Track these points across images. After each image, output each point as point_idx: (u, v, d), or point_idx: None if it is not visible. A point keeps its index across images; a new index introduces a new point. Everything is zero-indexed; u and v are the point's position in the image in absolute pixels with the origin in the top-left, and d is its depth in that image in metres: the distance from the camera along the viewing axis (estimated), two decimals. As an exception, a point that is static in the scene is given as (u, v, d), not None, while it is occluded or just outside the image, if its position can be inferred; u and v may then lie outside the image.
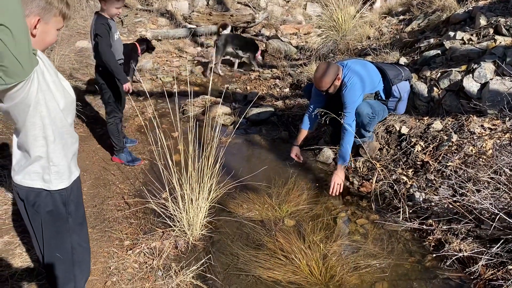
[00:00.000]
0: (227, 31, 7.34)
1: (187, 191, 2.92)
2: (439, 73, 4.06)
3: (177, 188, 2.91)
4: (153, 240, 2.94)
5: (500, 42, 3.94)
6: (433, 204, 3.08)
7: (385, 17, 7.10)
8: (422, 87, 4.10)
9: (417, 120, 3.95)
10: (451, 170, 3.19)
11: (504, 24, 4.08)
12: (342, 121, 3.56)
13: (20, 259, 2.68)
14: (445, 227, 2.84)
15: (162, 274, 2.64)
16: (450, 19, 5.17)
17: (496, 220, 2.53)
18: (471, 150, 3.27)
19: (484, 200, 2.63)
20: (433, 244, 2.83)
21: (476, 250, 2.57)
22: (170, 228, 2.99)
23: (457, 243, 2.69)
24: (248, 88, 6.50)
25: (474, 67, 3.75)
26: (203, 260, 2.73)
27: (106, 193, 3.58)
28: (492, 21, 4.33)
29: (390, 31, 6.47)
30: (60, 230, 1.77)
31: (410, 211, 3.09)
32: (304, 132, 4.01)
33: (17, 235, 2.89)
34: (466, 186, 2.87)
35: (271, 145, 4.59)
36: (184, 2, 10.08)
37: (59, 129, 1.62)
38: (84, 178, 3.72)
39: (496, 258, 2.48)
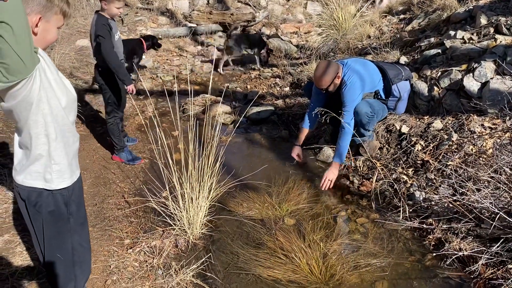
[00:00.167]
0: (238, 31, 7.38)
1: (187, 190, 2.92)
2: (440, 72, 4.05)
3: (177, 187, 2.91)
4: (153, 239, 2.94)
5: (501, 41, 3.94)
6: (433, 203, 3.08)
7: (386, 16, 7.09)
8: (423, 86, 4.09)
9: (418, 119, 3.94)
10: (451, 169, 3.19)
11: (505, 23, 4.08)
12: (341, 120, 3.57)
13: (21, 258, 2.68)
14: (445, 226, 2.84)
15: (162, 273, 2.64)
16: (450, 18, 5.17)
17: (496, 219, 2.53)
18: (471, 149, 3.27)
19: (484, 199, 2.63)
20: (433, 243, 2.83)
21: (476, 249, 2.57)
22: (170, 227, 2.99)
23: (457, 242, 2.69)
24: (249, 87, 6.50)
25: (474, 66, 3.75)
26: (203, 259, 2.74)
27: (107, 191, 3.58)
28: (493, 20, 4.32)
29: (391, 30, 6.46)
30: (61, 230, 1.77)
31: (410, 210, 3.09)
32: (305, 131, 4.01)
33: (17, 234, 2.89)
34: (466, 185, 2.87)
35: (271, 144, 4.59)
36: (185, 1, 10.07)
37: (60, 127, 1.63)
38: (84, 176, 3.72)
39: (496, 257, 2.48)
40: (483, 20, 4.44)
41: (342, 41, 6.56)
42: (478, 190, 2.76)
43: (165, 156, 2.94)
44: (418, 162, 3.51)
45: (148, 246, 2.86)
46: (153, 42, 6.37)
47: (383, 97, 3.84)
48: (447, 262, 2.60)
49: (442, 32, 5.10)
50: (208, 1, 10.36)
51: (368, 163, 3.84)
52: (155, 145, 3.06)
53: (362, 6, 6.96)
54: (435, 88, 3.99)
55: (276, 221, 3.17)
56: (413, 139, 3.72)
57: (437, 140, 3.55)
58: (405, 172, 3.51)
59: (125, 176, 3.85)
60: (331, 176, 3.60)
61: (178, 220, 2.96)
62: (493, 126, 3.41)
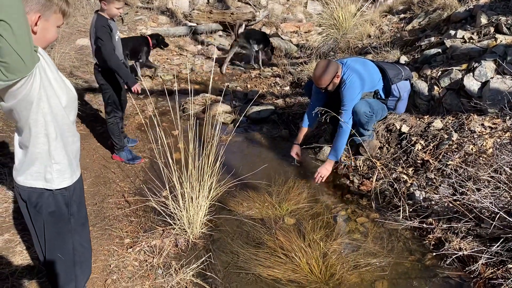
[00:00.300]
0: (242, 29, 7.42)
1: (187, 189, 2.92)
2: (440, 72, 4.05)
3: (177, 186, 2.91)
4: (153, 238, 2.94)
5: (501, 41, 3.93)
6: (433, 202, 3.08)
7: (386, 16, 7.09)
8: (423, 86, 4.09)
9: (418, 119, 3.94)
10: (451, 169, 3.19)
11: (505, 23, 4.07)
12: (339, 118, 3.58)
13: (21, 257, 2.68)
14: (445, 225, 2.84)
15: (162, 272, 2.64)
16: (451, 17, 5.16)
17: (496, 219, 2.53)
18: (472, 149, 3.27)
19: (484, 199, 2.63)
20: (433, 242, 2.83)
21: (476, 249, 2.57)
22: (170, 226, 2.99)
23: (457, 241, 2.69)
24: (249, 86, 6.50)
25: (474, 66, 3.74)
26: (203, 258, 2.74)
27: (107, 191, 3.58)
28: (493, 20, 4.32)
29: (391, 29, 6.46)
30: (62, 231, 1.77)
31: (410, 209, 3.09)
32: (304, 130, 4.01)
33: (18, 233, 2.89)
34: (466, 185, 2.87)
35: (272, 144, 4.59)
36: (185, 0, 10.07)
37: (60, 126, 1.62)
38: (84, 176, 3.72)
39: (496, 257, 2.48)
40: (483, 20, 4.44)
41: (342, 40, 6.56)
42: (478, 189, 2.76)
43: (165, 155, 2.94)
44: (418, 161, 3.51)
45: (148, 246, 2.86)
46: (159, 41, 6.42)
47: (383, 96, 3.84)
48: (447, 262, 2.60)
49: (442, 31, 5.09)
50: (208, 0, 10.37)
51: (368, 163, 3.84)
52: (155, 145, 3.06)
53: (362, 5, 6.95)
54: (435, 87, 3.98)
55: (276, 221, 3.17)
56: (413, 138, 3.72)
57: (437, 140, 3.55)
58: (405, 172, 3.51)
59: (125, 176, 3.85)
60: (323, 172, 3.64)
61: (178, 220, 2.96)
62: (493, 126, 3.41)
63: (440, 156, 3.39)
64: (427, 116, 3.92)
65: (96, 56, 3.74)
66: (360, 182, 3.69)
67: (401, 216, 3.07)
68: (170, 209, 2.96)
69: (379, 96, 3.82)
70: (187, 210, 2.93)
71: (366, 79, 3.69)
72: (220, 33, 9.28)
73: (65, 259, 1.82)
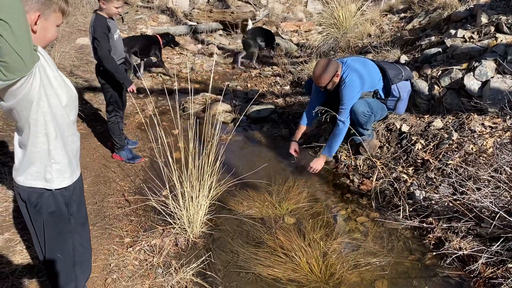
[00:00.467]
0: (250, 25, 7.46)
1: (187, 189, 2.92)
2: (440, 71, 4.05)
3: (178, 186, 2.91)
4: (153, 237, 2.94)
5: (501, 40, 3.93)
6: (433, 202, 3.08)
7: (386, 15, 7.08)
8: (423, 85, 4.09)
9: (418, 118, 3.94)
10: (451, 168, 3.19)
11: (506, 22, 4.07)
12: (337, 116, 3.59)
13: (21, 256, 2.68)
14: (445, 225, 2.84)
15: (162, 272, 2.64)
16: (451, 17, 5.16)
17: (496, 218, 2.53)
18: (472, 149, 3.27)
19: (484, 198, 2.63)
20: (433, 242, 2.83)
21: (476, 248, 2.57)
22: (170, 226, 2.99)
23: (457, 241, 2.69)
24: (249, 85, 6.50)
25: (475, 65, 3.74)
26: (203, 258, 2.74)
27: (107, 190, 3.58)
28: (493, 19, 4.31)
29: (391, 28, 6.45)
30: (62, 231, 1.77)
31: (410, 209, 3.09)
32: (302, 128, 4.03)
33: (18, 232, 2.90)
34: (467, 185, 2.87)
35: (272, 143, 4.59)
36: (185, -1, 10.08)
37: (60, 126, 1.62)
38: (84, 175, 3.72)
39: (496, 257, 2.48)
40: (484, 19, 4.43)
41: (343, 39, 6.56)
42: (478, 189, 2.76)
43: (165, 154, 2.94)
44: (418, 161, 3.51)
45: (148, 245, 2.87)
46: (168, 40, 6.54)
47: (383, 96, 3.83)
48: (447, 261, 2.60)
49: (442, 30, 5.09)
50: (208, 0, 10.36)
51: (368, 162, 3.83)
52: (155, 144, 3.06)
53: (362, 4, 6.94)
54: (436, 87, 3.98)
55: (276, 220, 3.17)
56: (413, 138, 3.71)
57: (438, 139, 3.55)
58: (405, 171, 3.51)
59: (125, 175, 3.85)
60: (315, 165, 3.72)
61: (178, 219, 2.96)
62: (493, 125, 3.40)
63: (440, 156, 3.39)
64: (427, 116, 3.91)
65: (95, 56, 3.74)
66: (360, 181, 3.68)
67: (401, 216, 3.07)
68: (170, 208, 2.96)
69: (378, 96, 3.82)
70: (187, 209, 2.93)
71: (366, 79, 3.69)
72: (221, 32, 9.27)
73: (65, 259, 1.82)
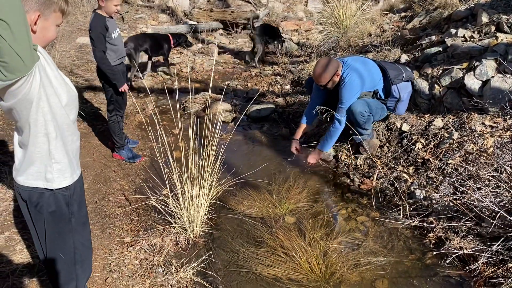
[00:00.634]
0: (259, 22, 7.50)
1: (187, 188, 2.92)
2: (441, 71, 4.04)
3: (178, 185, 2.91)
4: (153, 236, 2.94)
5: (502, 40, 3.92)
6: (433, 201, 3.08)
7: (387, 14, 7.08)
8: (423, 85, 4.08)
9: (418, 118, 3.94)
10: (451, 168, 3.19)
11: (506, 22, 4.06)
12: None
13: (21, 256, 2.68)
14: (445, 224, 2.84)
15: (163, 271, 2.64)
16: (451, 16, 5.16)
17: (496, 218, 2.53)
18: (472, 148, 3.27)
19: (484, 198, 2.63)
20: (434, 241, 2.83)
21: (476, 248, 2.57)
22: (170, 225, 2.99)
23: (457, 240, 2.69)
24: (249, 85, 6.49)
25: (475, 65, 3.74)
26: (203, 257, 2.74)
27: (107, 189, 3.58)
28: (494, 19, 4.31)
29: (392, 28, 6.45)
30: (63, 230, 1.77)
31: (411, 208, 3.09)
32: (302, 126, 4.05)
33: (18, 232, 2.90)
34: (467, 184, 2.87)
35: (272, 142, 4.59)
36: (185, -2, 10.07)
37: (60, 126, 1.62)
38: (84, 174, 3.72)
39: (496, 256, 2.48)
40: (484, 18, 4.43)
41: (343, 39, 6.56)
42: (479, 188, 2.76)
43: (165, 154, 2.94)
44: (419, 160, 3.51)
45: (148, 244, 2.87)
46: (180, 41, 6.66)
47: (383, 97, 3.83)
48: (448, 261, 2.60)
49: (443, 30, 5.09)
50: (208, -1, 10.36)
51: (368, 161, 3.83)
52: (156, 143, 3.06)
53: (363, 3, 6.94)
54: (436, 86, 3.98)
55: (276, 219, 3.17)
56: (413, 137, 3.71)
57: (438, 139, 3.55)
58: (406, 171, 3.51)
59: (125, 174, 3.85)
60: (310, 159, 3.88)
61: (179, 218, 2.96)
62: (494, 125, 3.40)
63: (441, 155, 3.39)
64: (428, 115, 3.91)
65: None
66: (360, 181, 3.68)
67: (401, 215, 3.07)
68: (170, 208, 2.96)
69: (378, 96, 3.81)
70: (187, 209, 2.93)
71: (366, 79, 3.69)
72: (221, 31, 9.27)
73: (66, 258, 1.82)
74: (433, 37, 4.90)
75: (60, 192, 1.69)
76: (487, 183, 2.83)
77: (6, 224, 2.97)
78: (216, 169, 3.07)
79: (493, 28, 4.18)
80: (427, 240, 2.86)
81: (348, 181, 3.74)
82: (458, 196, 2.85)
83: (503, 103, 3.39)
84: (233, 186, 3.43)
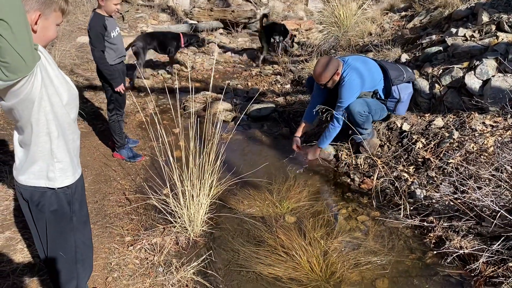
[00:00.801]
0: (268, 20, 7.58)
1: (188, 187, 2.92)
2: (441, 70, 4.04)
3: (178, 184, 2.91)
4: (154, 236, 2.94)
5: (503, 39, 3.92)
6: (434, 201, 3.08)
7: (387, 13, 7.07)
8: (424, 84, 4.08)
9: (419, 117, 3.94)
10: (452, 167, 3.19)
11: (507, 21, 4.06)
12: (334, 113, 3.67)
13: (22, 255, 2.68)
14: (446, 224, 2.84)
15: (163, 270, 2.65)
16: (452, 15, 5.15)
17: (497, 217, 2.53)
18: (473, 147, 3.27)
19: (485, 197, 2.63)
20: (434, 241, 2.83)
21: (476, 247, 2.57)
22: (171, 224, 2.99)
23: (458, 240, 2.69)
24: (249, 84, 6.49)
25: (476, 64, 3.73)
26: (204, 256, 2.74)
27: (107, 189, 3.59)
28: (495, 18, 4.31)
29: (392, 27, 6.44)
30: (64, 229, 1.77)
31: (411, 208, 3.09)
32: (304, 125, 4.06)
33: (19, 231, 2.90)
34: (467, 183, 2.87)
35: (272, 142, 4.59)
36: (185, -3, 10.06)
37: (61, 125, 1.62)
38: (85, 174, 3.72)
39: (496, 256, 2.48)
40: (485, 18, 4.42)
41: (343, 38, 6.55)
42: (479, 188, 2.76)
43: (166, 153, 2.94)
44: (419, 160, 3.51)
45: (148, 244, 2.87)
46: (191, 42, 6.72)
47: (382, 97, 3.82)
48: (448, 260, 2.60)
49: (443, 29, 5.08)
50: (208, -2, 10.35)
51: (369, 161, 3.83)
52: (156, 142, 3.06)
53: (363, 3, 6.93)
54: (436, 85, 3.98)
55: (276, 219, 3.17)
56: (414, 136, 3.71)
57: (438, 138, 3.54)
58: (406, 170, 3.51)
59: (126, 174, 3.86)
60: (309, 156, 3.96)
61: (179, 218, 2.96)
62: (494, 124, 3.40)
63: (441, 155, 3.39)
64: (428, 114, 3.91)
65: None
66: (361, 180, 3.68)
67: (402, 215, 3.07)
68: (170, 207, 2.96)
69: (378, 96, 3.81)
70: (187, 208, 2.93)
71: (366, 78, 3.68)
72: (221, 31, 9.26)
73: (67, 257, 1.82)
74: (434, 37, 4.89)
75: (62, 191, 1.69)
76: (487, 182, 2.83)
77: (6, 224, 2.97)
78: (217, 168, 3.07)
79: (493, 27, 4.18)
80: (428, 239, 2.86)
81: (349, 180, 3.74)
82: (459, 196, 2.85)
83: (503, 102, 3.39)
84: (234, 186, 3.43)
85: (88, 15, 8.29)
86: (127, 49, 6.09)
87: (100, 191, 3.54)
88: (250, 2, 10.14)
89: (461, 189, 2.90)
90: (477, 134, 3.35)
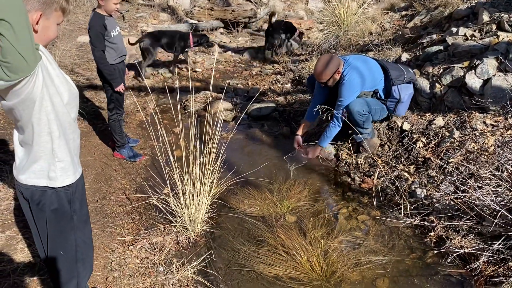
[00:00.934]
0: (275, 18, 7.62)
1: (188, 187, 2.92)
2: (442, 69, 4.04)
3: (179, 184, 2.91)
4: (154, 235, 2.94)
5: (503, 38, 3.92)
6: (434, 200, 3.08)
7: (387, 13, 7.07)
8: (424, 83, 4.08)
9: (419, 116, 3.93)
10: (452, 167, 3.19)
11: (507, 20, 4.06)
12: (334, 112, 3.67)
13: (22, 254, 2.69)
14: (446, 223, 2.84)
15: (164, 270, 2.65)
16: (452, 14, 5.15)
17: (497, 216, 2.53)
18: (473, 147, 3.26)
19: (485, 196, 2.63)
20: (434, 240, 2.83)
21: (477, 247, 2.57)
22: (171, 224, 3.00)
23: (458, 239, 2.69)
24: (250, 83, 6.49)
25: (476, 63, 3.73)
26: (204, 256, 2.74)
27: (108, 188, 3.59)
28: (495, 17, 4.30)
29: (392, 26, 6.44)
30: (65, 228, 1.77)
31: (412, 207, 3.09)
32: (305, 123, 4.07)
33: (19, 231, 2.90)
34: (468, 183, 2.87)
35: (273, 141, 4.59)
36: (186, -3, 10.06)
37: (62, 124, 1.62)
38: (85, 173, 3.72)
39: (497, 255, 2.48)
40: (486, 17, 4.42)
41: (344, 37, 6.55)
42: (480, 187, 2.76)
43: (166, 153, 2.94)
44: (420, 159, 3.51)
45: (149, 243, 2.87)
46: (201, 42, 6.80)
47: (382, 97, 3.82)
48: (448, 260, 2.60)
49: (444, 28, 5.08)
50: (209, -2, 10.34)
51: (369, 160, 3.83)
52: (156, 142, 3.06)
53: (364, 2, 6.93)
54: (437, 85, 3.97)
55: (277, 218, 3.17)
56: (414, 136, 3.71)
57: (439, 137, 3.54)
58: (407, 169, 3.51)
59: (126, 173, 3.86)
60: (310, 154, 3.98)
61: (179, 217, 2.96)
62: (495, 124, 3.40)
63: (442, 154, 3.39)
64: (429, 114, 3.91)
65: None
66: (361, 180, 3.68)
67: (402, 214, 3.07)
68: (171, 207, 2.96)
69: (378, 96, 3.80)
70: (188, 208, 2.93)
71: (367, 78, 3.68)
72: (221, 30, 9.26)
73: (67, 256, 1.82)
74: (434, 36, 4.89)
75: (63, 190, 1.70)
76: (488, 182, 2.83)
77: (7, 223, 2.97)
78: (217, 168, 3.07)
79: (494, 26, 4.17)
80: (428, 239, 2.86)
81: (349, 180, 3.74)
82: (459, 195, 2.85)
83: (504, 101, 3.39)
84: (234, 185, 3.43)
85: (88, 14, 8.29)
86: (135, 44, 6.16)
87: (100, 191, 3.54)
88: (251, 1, 10.13)
89: (462, 189, 2.90)
90: (477, 134, 3.35)
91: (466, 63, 3.89)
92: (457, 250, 2.59)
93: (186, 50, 6.74)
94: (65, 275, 1.86)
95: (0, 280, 2.46)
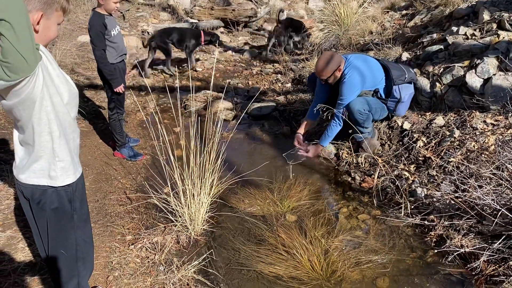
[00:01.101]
0: (285, 15, 7.66)
1: (188, 186, 2.92)
2: (442, 69, 4.04)
3: (179, 183, 2.91)
4: (155, 235, 2.95)
5: (504, 37, 3.91)
6: (435, 199, 3.08)
7: (388, 12, 7.06)
8: (425, 83, 4.08)
9: (420, 116, 3.93)
10: (453, 166, 3.18)
11: (508, 19, 4.05)
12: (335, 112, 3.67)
13: (23, 254, 2.69)
14: (446, 222, 2.84)
15: (164, 269, 2.65)
16: (453, 14, 5.14)
17: (498, 216, 2.52)
18: (474, 146, 3.26)
19: (486, 196, 2.63)
20: (435, 239, 2.83)
21: (477, 246, 2.57)
22: (172, 223, 3.00)
23: (458, 239, 2.69)
24: (250, 83, 6.49)
25: (477, 63, 3.73)
26: (204, 255, 2.74)
27: (108, 188, 3.59)
28: (496, 16, 4.30)
29: (393, 26, 6.43)
30: (65, 227, 1.78)
31: (412, 206, 3.09)
32: (307, 121, 4.07)
33: (20, 230, 2.90)
34: (468, 182, 2.87)
35: (273, 140, 4.59)
36: (186, -4, 10.06)
37: (62, 124, 1.62)
38: (86, 173, 3.73)
39: (497, 254, 2.48)
40: (486, 16, 4.42)
41: (344, 37, 6.54)
42: (480, 186, 2.75)
43: (166, 152, 2.94)
44: (420, 158, 3.51)
45: (149, 242, 2.87)
46: (212, 40, 6.92)
47: (383, 96, 3.82)
48: (449, 259, 2.60)
49: (444, 28, 5.07)
50: (209, -3, 10.34)
51: (369, 160, 3.83)
52: (157, 141, 3.06)
53: (364, 1, 6.92)
54: (437, 84, 3.97)
55: (277, 218, 3.17)
56: (415, 135, 3.71)
57: (439, 137, 3.54)
58: (407, 169, 3.50)
59: (126, 172, 3.86)
60: (310, 153, 3.97)
61: (180, 216, 2.97)
62: (495, 123, 3.40)
63: (442, 153, 3.39)
64: (429, 113, 3.91)
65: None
66: (361, 179, 3.68)
67: (402, 213, 3.07)
68: (171, 206, 2.97)
69: (379, 96, 3.80)
70: (188, 207, 2.93)
71: (367, 77, 3.68)
72: (222, 29, 9.26)
73: (68, 255, 1.82)
74: (435, 35, 4.89)
75: (63, 189, 1.70)
76: (488, 181, 2.83)
77: (7, 223, 2.97)
78: (217, 167, 3.07)
79: (494, 25, 4.17)
80: (428, 238, 2.86)
81: (349, 179, 3.74)
82: (460, 194, 2.85)
83: (504, 101, 3.39)
84: (234, 184, 3.43)
85: (88, 14, 8.28)
86: (148, 44, 6.22)
87: (101, 190, 3.54)
88: (251, 0, 10.13)
89: (462, 188, 2.90)
90: (478, 133, 3.35)
91: (466, 62, 3.89)
92: (457, 249, 2.59)
93: (196, 48, 6.83)
94: (65, 274, 1.86)
95: (1, 279, 2.47)
